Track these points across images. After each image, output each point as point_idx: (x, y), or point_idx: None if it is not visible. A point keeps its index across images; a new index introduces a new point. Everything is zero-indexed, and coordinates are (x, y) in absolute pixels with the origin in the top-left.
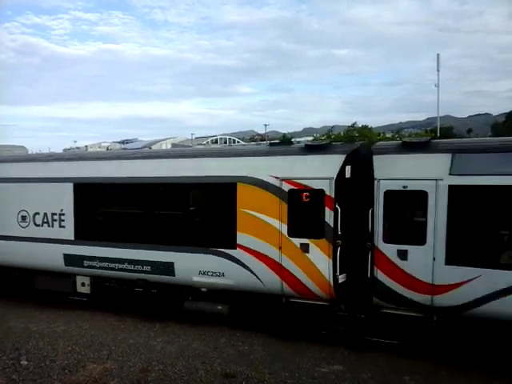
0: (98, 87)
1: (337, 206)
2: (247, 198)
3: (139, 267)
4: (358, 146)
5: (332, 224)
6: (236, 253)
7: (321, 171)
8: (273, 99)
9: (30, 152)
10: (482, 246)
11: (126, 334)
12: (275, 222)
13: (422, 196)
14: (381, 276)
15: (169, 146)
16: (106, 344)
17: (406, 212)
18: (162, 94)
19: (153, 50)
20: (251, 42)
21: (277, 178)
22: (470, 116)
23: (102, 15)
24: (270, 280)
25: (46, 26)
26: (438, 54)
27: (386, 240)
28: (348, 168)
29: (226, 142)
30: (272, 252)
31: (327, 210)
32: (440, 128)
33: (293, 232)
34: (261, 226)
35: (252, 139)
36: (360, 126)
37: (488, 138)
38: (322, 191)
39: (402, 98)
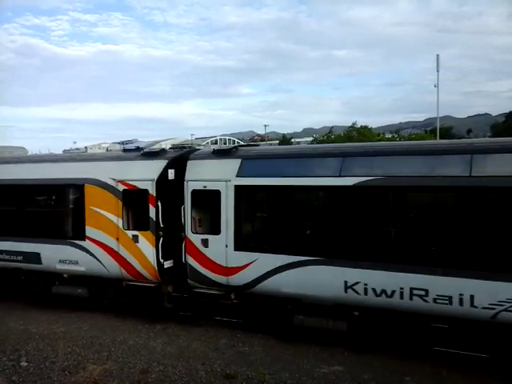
0: (98, 88)
1: (158, 203)
2: (93, 197)
3: (14, 257)
4: (183, 153)
5: (155, 218)
6: (85, 243)
7: (146, 174)
8: (272, 100)
9: (29, 153)
10: (259, 235)
11: (126, 335)
12: (114, 218)
13: (216, 194)
14: (191, 261)
15: (169, 147)
16: (105, 345)
17: (207, 207)
18: (162, 94)
19: (152, 51)
20: (251, 43)
21: (114, 179)
22: (469, 116)
23: (101, 16)
24: (111, 266)
25: (46, 27)
26: (437, 55)
27: (194, 231)
28: (171, 171)
29: (225, 143)
30: (112, 243)
31: (151, 206)
32: (440, 128)
33: (127, 225)
34: (103, 220)
35: (252, 140)
36: (360, 126)
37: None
38: (146, 191)
39: (401, 99)
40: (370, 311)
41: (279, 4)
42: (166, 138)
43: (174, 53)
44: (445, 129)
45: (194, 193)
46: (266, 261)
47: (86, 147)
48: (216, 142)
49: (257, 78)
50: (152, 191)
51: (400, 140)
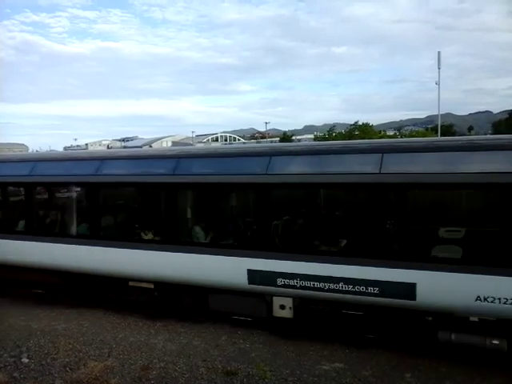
0: (98, 85)
1: None
2: None
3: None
4: None
5: None
6: None
7: None
8: (272, 97)
9: (30, 150)
10: None
11: (127, 332)
12: None
13: None
14: None
15: (169, 144)
16: (106, 342)
17: None
18: (161, 91)
19: (152, 47)
20: (250, 40)
21: None
22: (470, 114)
23: (100, 13)
24: None
25: (45, 24)
26: (438, 52)
27: None
28: None
29: (226, 140)
30: None
31: None
32: (441, 126)
33: None
34: None
35: (253, 137)
36: (361, 123)
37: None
38: None
39: (402, 96)
40: None
41: (278, 1)
42: (167, 134)
43: (174, 50)
44: (446, 126)
45: None
46: None
47: (86, 144)
48: (217, 140)
49: (256, 75)
50: None
51: (401, 137)
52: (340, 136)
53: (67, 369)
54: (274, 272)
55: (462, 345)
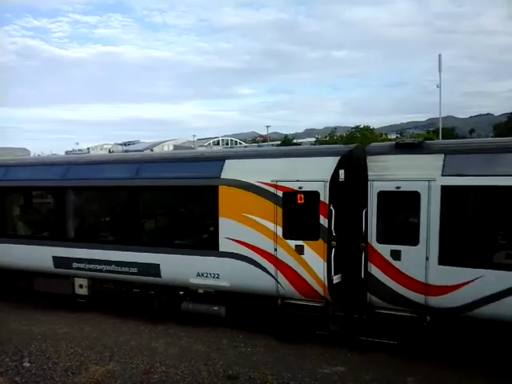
0: (99, 89)
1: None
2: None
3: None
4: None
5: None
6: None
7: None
8: (273, 101)
9: (32, 155)
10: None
11: (128, 336)
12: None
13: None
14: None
15: (171, 148)
16: (108, 346)
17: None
18: (162, 95)
19: (153, 52)
20: (250, 44)
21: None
22: (471, 116)
23: (101, 18)
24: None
25: (46, 29)
26: (439, 55)
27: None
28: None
29: (227, 144)
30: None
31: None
32: (442, 128)
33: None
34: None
35: (254, 140)
36: (362, 127)
37: None
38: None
39: (402, 99)
40: None
41: (278, 5)
42: (168, 138)
43: (174, 54)
44: (447, 129)
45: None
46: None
47: (88, 148)
48: (218, 143)
49: (257, 78)
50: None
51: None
52: (341, 139)
53: (69, 373)
54: (69, 258)
55: (197, 312)
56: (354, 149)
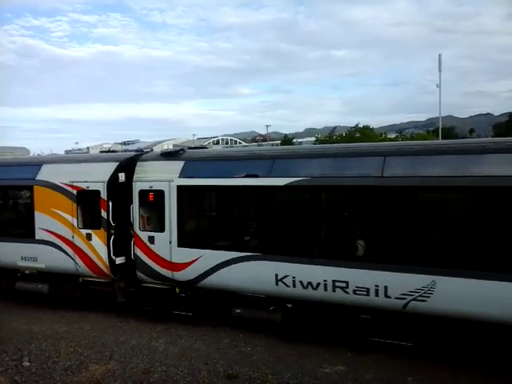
0: (98, 89)
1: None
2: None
3: None
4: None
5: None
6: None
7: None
8: (273, 100)
9: (31, 154)
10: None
11: (128, 335)
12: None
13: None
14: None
15: (171, 147)
16: (108, 345)
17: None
18: (162, 95)
19: (152, 51)
20: (250, 44)
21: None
22: (471, 116)
23: (100, 17)
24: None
25: (45, 28)
26: (439, 55)
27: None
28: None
29: (227, 143)
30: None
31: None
32: (442, 128)
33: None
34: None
35: (254, 140)
36: (362, 126)
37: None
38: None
39: (402, 99)
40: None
41: (277, 5)
42: (168, 138)
43: (174, 53)
44: (447, 129)
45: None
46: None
47: (88, 148)
48: (218, 142)
49: (257, 78)
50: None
51: (402, 140)
52: (341, 139)
53: (68, 372)
54: None
55: (26, 290)
56: (134, 156)
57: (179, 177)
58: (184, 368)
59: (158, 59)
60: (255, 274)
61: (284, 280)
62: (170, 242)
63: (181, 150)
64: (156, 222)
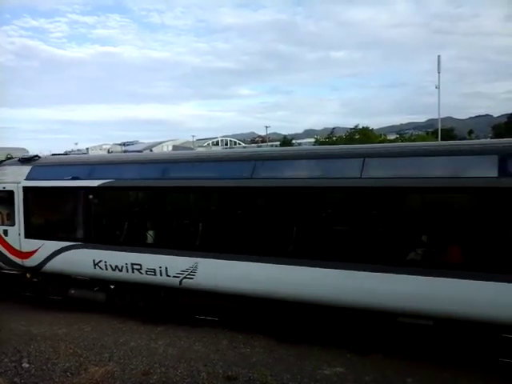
0: (97, 89)
1: None
2: None
3: None
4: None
5: None
6: None
7: None
8: (272, 101)
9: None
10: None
11: (128, 337)
12: None
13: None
14: None
15: (170, 148)
16: (107, 346)
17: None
18: (161, 96)
19: (151, 52)
20: (249, 45)
21: None
22: (470, 117)
23: (99, 18)
24: None
25: (44, 29)
26: (438, 56)
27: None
28: None
29: (226, 144)
30: None
31: None
32: (441, 129)
33: None
34: None
35: (253, 141)
36: (361, 127)
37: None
38: None
39: (401, 100)
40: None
41: (276, 6)
42: (167, 139)
43: (173, 54)
44: (446, 130)
45: None
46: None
47: (87, 148)
48: (217, 143)
49: (256, 79)
50: None
51: (402, 141)
52: (341, 140)
53: (68, 374)
54: None
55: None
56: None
57: (25, 179)
58: (183, 369)
59: (157, 60)
60: (79, 260)
61: (99, 264)
62: (19, 234)
63: (35, 156)
64: (9, 217)
